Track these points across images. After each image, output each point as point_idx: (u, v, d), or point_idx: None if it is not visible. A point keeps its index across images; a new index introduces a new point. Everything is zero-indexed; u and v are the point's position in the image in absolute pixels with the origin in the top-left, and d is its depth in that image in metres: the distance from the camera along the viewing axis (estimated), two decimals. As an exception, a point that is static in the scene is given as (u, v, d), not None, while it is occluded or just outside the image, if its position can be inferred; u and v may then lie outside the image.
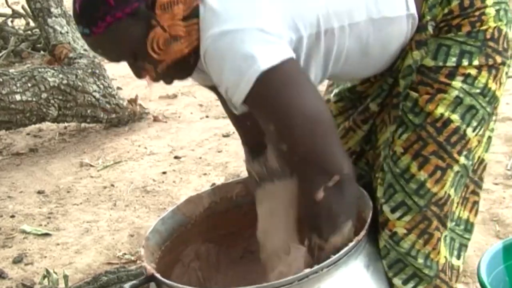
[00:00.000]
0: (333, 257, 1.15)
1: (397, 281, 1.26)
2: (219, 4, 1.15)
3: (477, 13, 1.21)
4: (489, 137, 1.34)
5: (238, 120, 1.42)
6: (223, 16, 1.13)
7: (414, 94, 1.25)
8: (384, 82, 1.32)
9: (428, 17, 1.23)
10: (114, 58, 1.22)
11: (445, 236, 1.29)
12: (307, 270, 1.12)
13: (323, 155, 1.12)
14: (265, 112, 1.14)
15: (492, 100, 1.26)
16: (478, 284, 1.55)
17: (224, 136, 3.39)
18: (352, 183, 1.16)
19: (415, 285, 1.26)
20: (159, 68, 1.19)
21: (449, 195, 1.26)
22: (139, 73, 1.23)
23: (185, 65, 1.21)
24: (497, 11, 1.23)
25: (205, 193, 1.52)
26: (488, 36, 1.22)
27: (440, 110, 1.22)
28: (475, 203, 1.37)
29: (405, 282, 1.26)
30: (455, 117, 1.22)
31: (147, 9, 1.14)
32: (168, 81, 1.26)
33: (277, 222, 1.35)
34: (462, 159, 1.25)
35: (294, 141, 1.12)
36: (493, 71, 1.23)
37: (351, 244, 1.17)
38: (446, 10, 1.22)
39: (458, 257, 1.33)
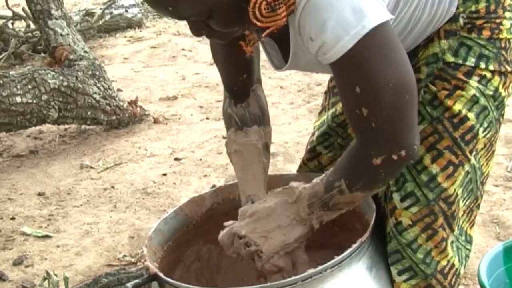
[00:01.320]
0: (337, 258, 1.15)
1: (393, 270, 1.27)
2: None
3: (498, 21, 1.25)
4: (494, 150, 1.35)
5: (235, 71, 1.39)
6: None
7: (432, 88, 1.26)
8: None
9: (461, 9, 1.24)
10: (184, 16, 1.08)
11: (452, 241, 1.28)
12: (311, 271, 1.13)
13: (401, 127, 1.08)
14: (358, 73, 1.05)
15: (500, 106, 1.28)
16: (478, 286, 1.55)
17: (224, 138, 3.37)
18: (408, 162, 1.14)
19: (408, 278, 1.26)
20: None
21: (457, 195, 1.26)
22: (198, 31, 1.12)
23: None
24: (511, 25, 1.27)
25: (208, 194, 1.52)
26: (502, 45, 1.26)
27: (458, 106, 1.23)
28: (476, 216, 1.38)
29: (400, 273, 1.26)
30: (471, 115, 1.23)
31: None
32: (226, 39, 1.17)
33: (257, 162, 1.37)
34: (472, 159, 1.25)
35: (378, 106, 1.05)
36: (503, 78, 1.26)
37: (354, 246, 1.17)
38: (473, 8, 1.24)
39: (464, 267, 1.33)
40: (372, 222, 1.23)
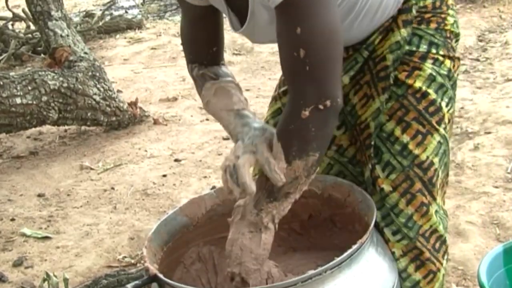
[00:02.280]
0: (337, 260, 1.15)
1: (387, 231, 1.37)
2: None
3: (443, 16, 1.43)
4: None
5: (205, 45, 1.46)
6: None
7: (394, 72, 1.39)
8: (359, 55, 1.43)
9: (414, 1, 1.40)
10: None
11: (436, 211, 1.39)
12: (311, 272, 1.13)
13: (330, 75, 1.17)
14: (300, 13, 1.15)
15: (454, 86, 1.44)
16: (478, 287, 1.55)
17: (224, 139, 3.39)
18: (335, 118, 1.21)
19: (400, 239, 1.37)
20: None
21: (432, 162, 1.37)
22: None
23: None
24: (454, 21, 1.46)
25: (208, 195, 1.52)
26: (447, 35, 1.43)
27: (418, 83, 1.38)
28: (445, 193, 1.50)
29: (394, 234, 1.37)
30: (431, 91, 1.38)
31: None
32: None
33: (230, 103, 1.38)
34: (442, 130, 1.38)
35: (315, 47, 1.15)
36: (452, 61, 1.43)
37: (354, 247, 1.17)
38: (422, 4, 1.41)
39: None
40: (372, 223, 1.24)
